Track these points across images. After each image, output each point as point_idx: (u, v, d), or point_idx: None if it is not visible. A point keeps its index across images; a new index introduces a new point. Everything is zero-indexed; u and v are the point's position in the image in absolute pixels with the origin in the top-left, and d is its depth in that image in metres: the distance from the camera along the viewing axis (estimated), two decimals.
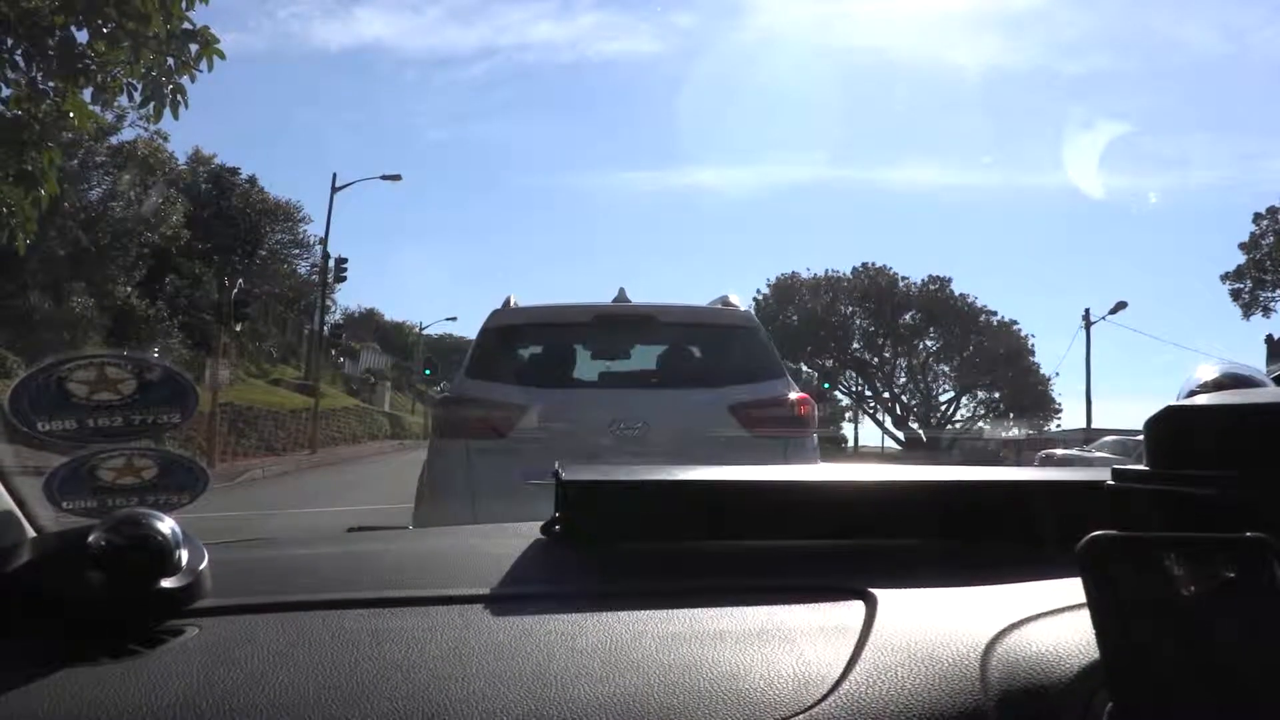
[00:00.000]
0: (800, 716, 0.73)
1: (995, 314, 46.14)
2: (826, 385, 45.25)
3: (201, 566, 0.88)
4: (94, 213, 22.23)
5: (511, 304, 4.96)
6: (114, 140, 22.67)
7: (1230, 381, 0.96)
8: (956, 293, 46.30)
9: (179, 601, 0.85)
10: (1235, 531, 0.69)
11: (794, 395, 4.46)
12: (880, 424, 46.65)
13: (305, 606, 0.89)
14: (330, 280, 31.16)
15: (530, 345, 4.90)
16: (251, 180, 32.53)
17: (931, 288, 46.15)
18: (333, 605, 0.89)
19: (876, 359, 47.55)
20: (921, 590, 0.91)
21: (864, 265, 47.33)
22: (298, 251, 35.84)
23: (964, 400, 47.33)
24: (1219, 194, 58.55)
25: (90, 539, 0.84)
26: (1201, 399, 0.92)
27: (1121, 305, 32.40)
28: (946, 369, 47.38)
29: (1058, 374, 46.70)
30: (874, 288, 45.93)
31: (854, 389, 48.71)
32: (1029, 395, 44.49)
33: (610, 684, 0.76)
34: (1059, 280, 69.35)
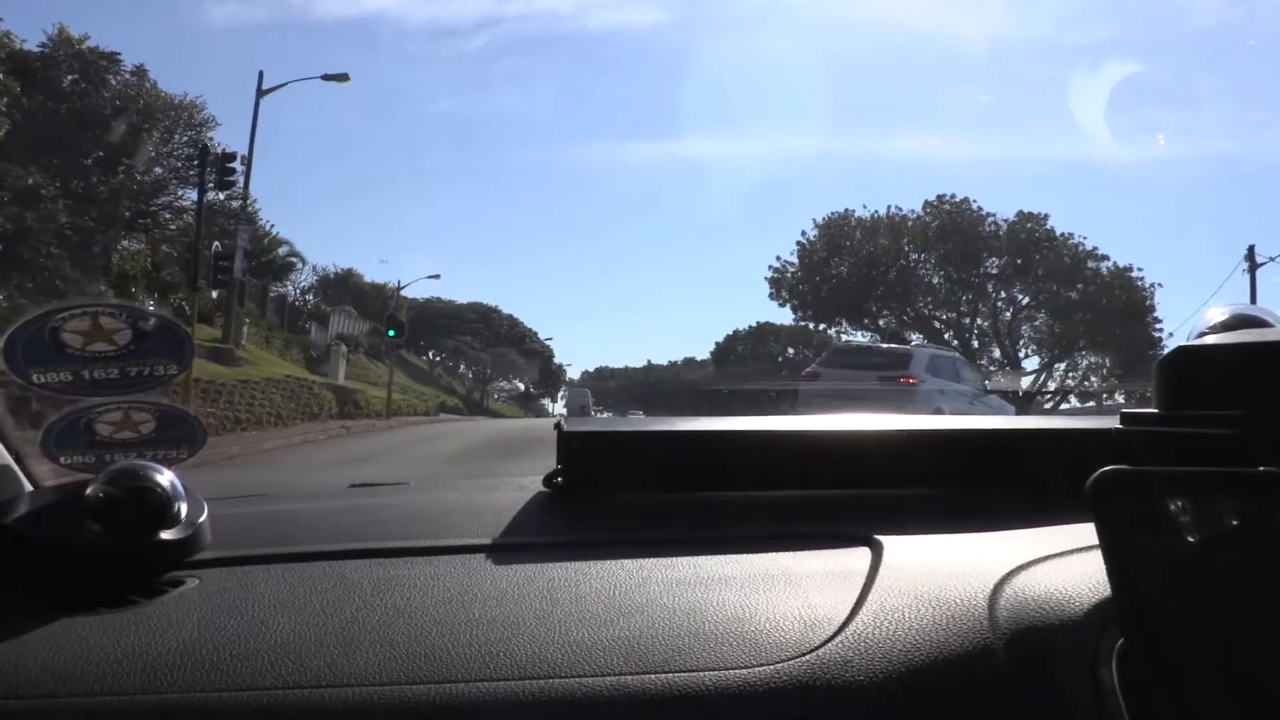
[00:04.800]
0: (807, 657, 0.89)
1: (1106, 259, 44.82)
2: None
3: (201, 519, 1.07)
4: None
5: (836, 340, 34.94)
6: None
7: (1238, 322, 1.11)
8: (1056, 233, 44.70)
9: (179, 553, 1.04)
10: (1244, 469, 0.83)
11: (904, 376, 18.54)
12: None
13: (306, 557, 1.08)
14: (210, 185, 25.99)
15: (834, 356, 22.34)
16: (138, 72, 27.23)
17: (1028, 226, 44.58)
18: (334, 556, 1.08)
19: (947, 316, 46.84)
20: (929, 536, 1.09)
21: (938, 198, 46.00)
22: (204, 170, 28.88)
23: (1058, 367, 46.40)
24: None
25: (88, 492, 1.03)
26: (1210, 339, 1.06)
27: None
28: (1030, 328, 46.15)
29: (1171, 335, 45.54)
30: (952, 227, 44.61)
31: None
32: (1143, 362, 43.19)
33: (614, 627, 0.93)
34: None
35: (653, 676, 0.87)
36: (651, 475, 1.26)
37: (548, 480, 1.26)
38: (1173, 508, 0.82)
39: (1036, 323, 46.74)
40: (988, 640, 0.91)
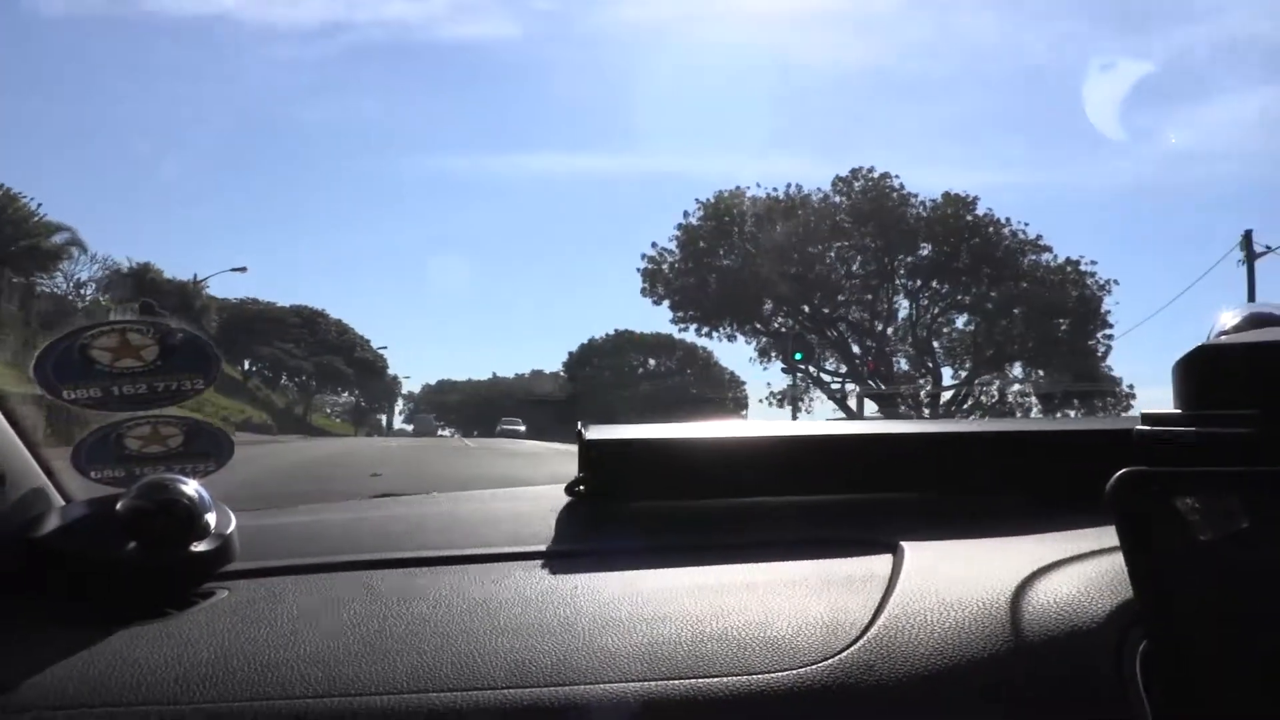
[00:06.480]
0: (830, 661, 1.04)
1: (1049, 250, 43.18)
2: (799, 355, 42.27)
3: (230, 530, 1.24)
4: None
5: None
6: None
7: (1256, 321, 1.27)
8: (991, 217, 42.62)
9: (209, 565, 1.21)
10: (1265, 468, 0.97)
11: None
12: (853, 413, 42.93)
13: (333, 568, 1.26)
14: None
15: None
16: None
17: (953, 209, 42.75)
18: (360, 566, 1.26)
19: (855, 317, 44.96)
20: (950, 541, 1.27)
21: (851, 173, 43.75)
22: None
23: (978, 381, 44.72)
24: None
25: (119, 506, 1.19)
26: (1228, 339, 1.22)
27: None
28: (946, 335, 44.92)
29: (1111, 341, 42.43)
30: (869, 209, 42.82)
31: (818, 361, 45.91)
32: (1081, 371, 42.11)
33: (638, 633, 1.09)
34: None
35: (676, 682, 1.01)
36: (673, 481, 1.46)
37: (570, 488, 1.45)
38: (1193, 508, 0.93)
39: (949, 330, 45.61)
40: (1010, 644, 1.04)
